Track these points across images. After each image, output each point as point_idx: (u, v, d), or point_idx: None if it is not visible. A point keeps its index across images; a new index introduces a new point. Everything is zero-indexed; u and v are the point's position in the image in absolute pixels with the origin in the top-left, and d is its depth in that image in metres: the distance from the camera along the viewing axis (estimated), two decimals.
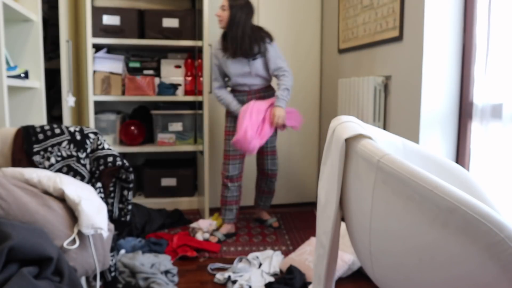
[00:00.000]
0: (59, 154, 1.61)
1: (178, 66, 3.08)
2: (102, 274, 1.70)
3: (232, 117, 2.64)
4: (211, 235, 2.60)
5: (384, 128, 2.37)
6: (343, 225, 2.04)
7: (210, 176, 3.20)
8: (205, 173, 2.87)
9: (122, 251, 2.17)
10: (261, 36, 2.48)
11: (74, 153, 1.62)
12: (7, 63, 1.96)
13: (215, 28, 3.05)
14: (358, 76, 2.68)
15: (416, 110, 2.07)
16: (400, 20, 2.17)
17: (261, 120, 2.45)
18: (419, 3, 2.02)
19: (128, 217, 1.80)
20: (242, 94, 2.61)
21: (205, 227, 2.60)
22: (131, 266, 1.94)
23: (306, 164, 3.37)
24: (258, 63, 2.52)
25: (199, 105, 3.05)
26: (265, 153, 2.70)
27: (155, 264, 2.02)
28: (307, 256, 2.12)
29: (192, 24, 2.99)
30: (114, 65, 2.95)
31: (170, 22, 2.96)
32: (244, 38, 2.43)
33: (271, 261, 2.17)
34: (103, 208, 1.46)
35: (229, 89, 2.71)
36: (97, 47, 3.02)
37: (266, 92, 2.63)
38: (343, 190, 1.24)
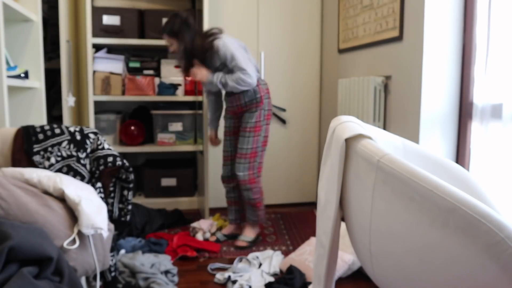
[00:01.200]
0: (59, 154, 1.61)
1: (178, 66, 3.08)
2: (102, 274, 1.70)
3: (228, 118, 2.56)
4: (212, 235, 2.59)
5: (384, 128, 2.37)
6: (343, 225, 2.04)
7: (210, 176, 3.20)
8: (205, 173, 2.87)
9: (122, 251, 2.17)
10: (206, 44, 2.33)
11: (74, 153, 1.62)
12: (7, 63, 1.96)
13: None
14: (358, 76, 2.68)
15: (416, 110, 2.07)
16: (400, 20, 2.17)
17: None
18: (419, 3, 2.02)
19: (128, 217, 1.80)
20: (230, 107, 2.50)
21: (206, 227, 2.60)
22: (131, 266, 1.94)
23: (306, 164, 3.37)
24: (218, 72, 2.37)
25: (199, 105, 3.05)
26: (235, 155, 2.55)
27: (155, 264, 2.02)
28: (307, 256, 2.12)
29: None
30: (114, 65, 2.94)
31: None
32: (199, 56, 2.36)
33: (271, 261, 2.17)
34: (103, 208, 1.46)
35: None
36: (97, 47, 3.02)
37: (247, 97, 2.39)
38: (343, 190, 1.23)
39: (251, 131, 2.42)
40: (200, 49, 2.35)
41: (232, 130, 2.56)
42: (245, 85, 2.31)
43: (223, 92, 2.68)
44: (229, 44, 2.33)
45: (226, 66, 2.35)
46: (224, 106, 2.76)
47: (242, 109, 2.45)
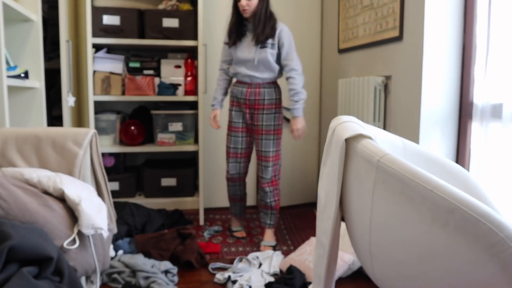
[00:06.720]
0: None
1: (178, 66, 3.08)
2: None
3: (236, 111, 2.49)
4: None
5: (384, 128, 2.37)
6: (343, 225, 2.04)
7: (208, 176, 3.20)
8: (200, 174, 2.87)
9: (120, 252, 2.17)
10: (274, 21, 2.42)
11: None
12: (7, 63, 1.96)
13: (213, 28, 3.05)
14: (358, 76, 2.68)
15: (416, 110, 2.07)
16: (400, 20, 2.17)
17: None
18: (419, 3, 2.02)
19: None
20: (243, 86, 2.45)
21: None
22: (132, 264, 1.94)
23: (306, 164, 3.37)
24: (266, 52, 2.37)
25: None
26: (258, 157, 2.49)
27: (155, 264, 2.02)
28: (307, 256, 2.12)
29: (192, 24, 2.99)
30: (114, 65, 2.94)
31: (170, 22, 2.96)
32: (261, 22, 2.37)
33: (271, 261, 2.17)
34: (103, 208, 1.46)
35: (234, 80, 2.62)
36: (97, 47, 3.02)
37: (269, 88, 2.42)
38: (343, 190, 1.23)
39: (275, 133, 2.47)
40: (266, 19, 2.38)
41: (245, 126, 2.52)
42: (302, 84, 2.41)
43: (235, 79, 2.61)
44: (291, 35, 2.49)
45: (267, 51, 2.38)
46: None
47: (260, 106, 2.44)
